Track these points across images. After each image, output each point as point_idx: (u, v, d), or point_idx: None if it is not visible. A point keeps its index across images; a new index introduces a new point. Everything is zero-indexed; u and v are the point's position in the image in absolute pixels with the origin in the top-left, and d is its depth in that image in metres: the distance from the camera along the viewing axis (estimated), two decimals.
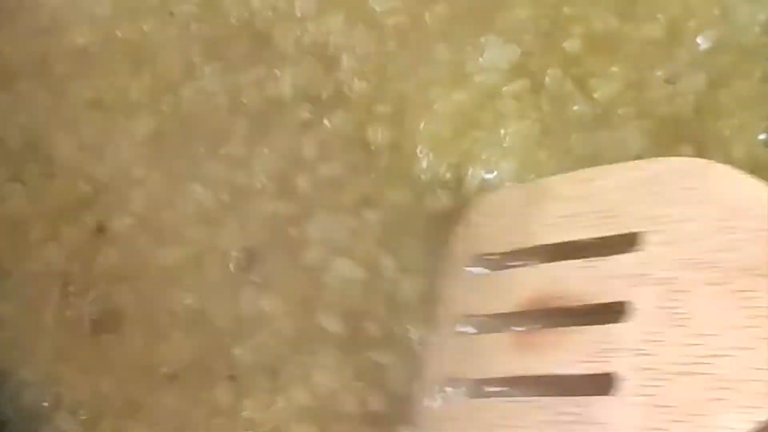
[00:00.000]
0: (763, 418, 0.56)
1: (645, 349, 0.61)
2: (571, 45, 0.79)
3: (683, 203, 0.63)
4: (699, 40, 0.79)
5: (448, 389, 0.69)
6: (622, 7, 0.80)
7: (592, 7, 0.79)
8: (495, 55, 0.78)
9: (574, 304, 0.65)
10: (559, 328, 0.65)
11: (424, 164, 0.77)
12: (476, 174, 0.76)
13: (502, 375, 0.67)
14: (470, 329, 0.70)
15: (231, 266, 0.75)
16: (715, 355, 0.58)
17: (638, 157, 0.74)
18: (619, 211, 0.66)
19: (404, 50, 0.79)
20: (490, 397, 0.67)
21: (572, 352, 0.64)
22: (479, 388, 0.68)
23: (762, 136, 0.77)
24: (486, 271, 0.71)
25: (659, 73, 0.78)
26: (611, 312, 0.63)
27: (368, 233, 0.76)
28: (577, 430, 0.62)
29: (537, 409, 0.64)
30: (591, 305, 0.65)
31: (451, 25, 0.79)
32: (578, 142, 0.77)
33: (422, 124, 0.77)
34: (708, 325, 0.59)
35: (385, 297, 0.75)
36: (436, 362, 0.71)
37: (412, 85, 0.78)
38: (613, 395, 0.61)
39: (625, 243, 0.65)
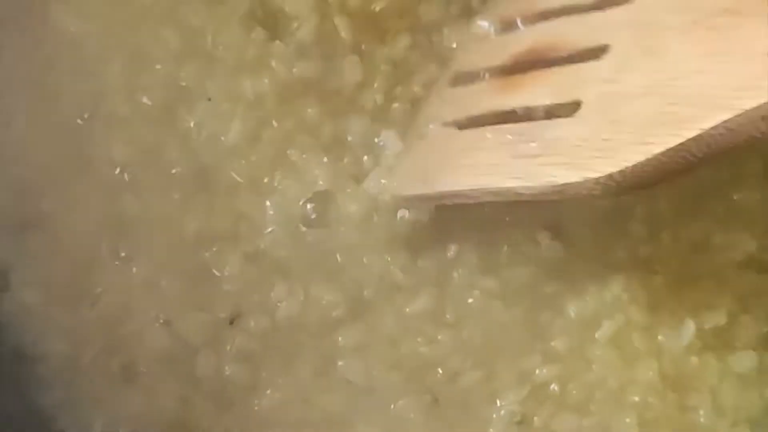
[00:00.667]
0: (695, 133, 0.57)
1: (612, 78, 0.63)
2: None
3: None
4: None
5: (431, 126, 0.72)
6: None
7: None
8: None
9: (562, 52, 0.67)
10: (539, 69, 0.67)
11: None
12: None
13: (480, 112, 0.69)
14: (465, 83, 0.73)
15: None
16: (675, 78, 0.59)
17: None
18: None
19: None
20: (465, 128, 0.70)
21: (545, 86, 0.66)
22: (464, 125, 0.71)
23: None
24: (490, 30, 0.74)
25: None
26: (591, 54, 0.65)
27: None
28: (529, 148, 0.64)
29: (501, 134, 0.67)
30: (575, 50, 0.66)
31: None
32: None
33: None
34: (676, 54, 0.60)
35: None
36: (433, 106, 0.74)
37: None
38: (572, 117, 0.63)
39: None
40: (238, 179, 0.74)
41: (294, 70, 0.74)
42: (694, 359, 0.72)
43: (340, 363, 0.72)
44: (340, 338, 0.72)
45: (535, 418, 0.71)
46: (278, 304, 0.72)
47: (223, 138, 0.73)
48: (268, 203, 0.73)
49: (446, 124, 0.71)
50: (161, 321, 0.72)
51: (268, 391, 0.72)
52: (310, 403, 0.72)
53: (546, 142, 0.63)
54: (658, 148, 0.57)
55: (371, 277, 0.73)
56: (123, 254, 0.73)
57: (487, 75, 0.71)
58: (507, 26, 0.73)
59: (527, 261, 0.73)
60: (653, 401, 0.71)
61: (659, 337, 0.72)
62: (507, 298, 0.73)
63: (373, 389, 0.72)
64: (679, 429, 0.71)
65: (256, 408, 0.72)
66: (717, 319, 0.72)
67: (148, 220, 0.73)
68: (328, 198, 0.73)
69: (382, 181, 0.72)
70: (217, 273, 0.73)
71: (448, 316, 0.73)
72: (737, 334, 0.72)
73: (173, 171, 0.74)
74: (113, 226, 0.73)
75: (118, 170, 0.74)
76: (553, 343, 0.73)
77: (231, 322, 0.72)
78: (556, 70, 0.67)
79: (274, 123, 0.74)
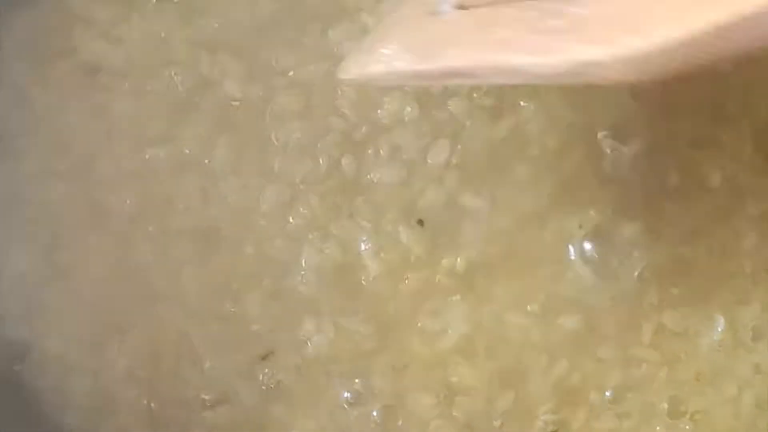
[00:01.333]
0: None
1: None
2: None
3: None
4: None
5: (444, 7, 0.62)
6: None
7: None
8: None
9: None
10: None
11: None
12: None
13: None
14: None
15: None
16: None
17: None
18: None
19: None
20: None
21: None
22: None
23: None
24: None
25: None
26: None
27: None
28: (556, 24, 0.56)
29: (523, 11, 0.58)
30: None
31: None
32: None
33: None
34: None
35: None
36: None
37: None
38: None
39: None
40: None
41: None
42: (727, 355, 0.71)
43: (372, 389, 0.71)
44: (370, 367, 0.71)
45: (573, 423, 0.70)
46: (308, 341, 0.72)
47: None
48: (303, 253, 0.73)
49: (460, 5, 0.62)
50: (191, 364, 0.72)
51: (306, 420, 0.71)
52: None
53: (571, 17, 0.55)
54: (697, 24, 0.51)
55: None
56: (149, 303, 0.73)
57: None
58: None
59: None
60: (692, 398, 0.70)
61: (692, 335, 0.71)
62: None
63: (406, 414, 0.71)
64: (722, 424, 0.70)
65: None
66: (750, 315, 0.72)
67: (171, 268, 0.73)
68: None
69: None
70: (244, 312, 0.72)
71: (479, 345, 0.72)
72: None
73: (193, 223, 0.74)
74: (135, 276, 0.73)
75: (134, 220, 0.74)
76: (591, 352, 0.71)
77: (263, 358, 0.72)
78: None
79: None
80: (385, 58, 0.61)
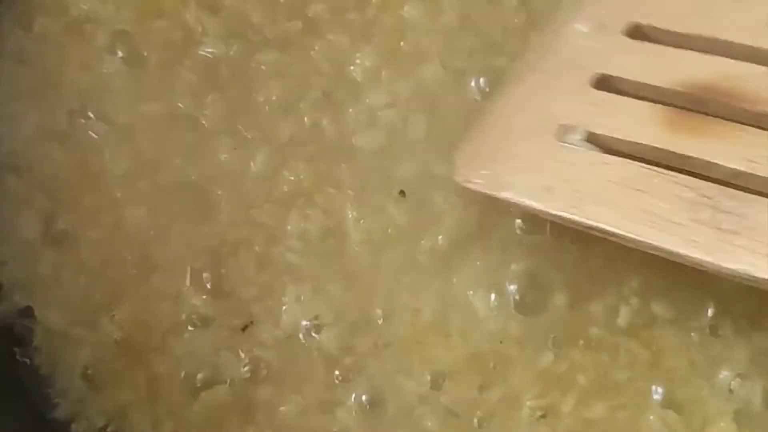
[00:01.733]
0: None
1: None
2: None
3: None
4: None
5: (574, 136, 0.63)
6: None
7: None
8: None
9: (745, 106, 0.59)
10: (725, 121, 0.60)
11: None
12: None
13: (642, 142, 0.60)
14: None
15: None
16: None
17: None
18: None
19: None
20: (623, 157, 0.61)
21: (737, 147, 0.58)
22: (610, 147, 0.62)
23: None
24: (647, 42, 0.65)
25: None
26: None
27: None
28: (721, 219, 0.56)
29: (675, 184, 0.58)
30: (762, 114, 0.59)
31: None
32: None
33: None
34: None
35: None
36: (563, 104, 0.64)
37: None
38: None
39: None
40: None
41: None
42: (721, 342, 0.70)
43: (357, 368, 0.72)
44: (353, 345, 0.72)
45: (563, 408, 0.70)
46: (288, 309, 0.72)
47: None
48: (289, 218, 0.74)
49: (590, 139, 0.62)
50: (180, 330, 0.72)
51: (293, 397, 0.71)
52: (330, 411, 0.71)
53: (750, 221, 0.55)
54: None
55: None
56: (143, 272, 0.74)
57: (648, 95, 0.62)
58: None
59: None
60: (683, 385, 0.70)
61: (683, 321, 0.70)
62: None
63: (389, 399, 0.71)
64: (716, 410, 0.70)
65: (279, 416, 0.71)
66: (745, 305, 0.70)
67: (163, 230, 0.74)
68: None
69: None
70: (233, 278, 0.73)
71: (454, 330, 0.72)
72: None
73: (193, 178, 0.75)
74: (129, 239, 0.74)
75: (127, 180, 0.75)
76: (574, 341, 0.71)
77: (243, 329, 0.72)
78: (748, 129, 0.58)
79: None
80: (522, 191, 0.61)
